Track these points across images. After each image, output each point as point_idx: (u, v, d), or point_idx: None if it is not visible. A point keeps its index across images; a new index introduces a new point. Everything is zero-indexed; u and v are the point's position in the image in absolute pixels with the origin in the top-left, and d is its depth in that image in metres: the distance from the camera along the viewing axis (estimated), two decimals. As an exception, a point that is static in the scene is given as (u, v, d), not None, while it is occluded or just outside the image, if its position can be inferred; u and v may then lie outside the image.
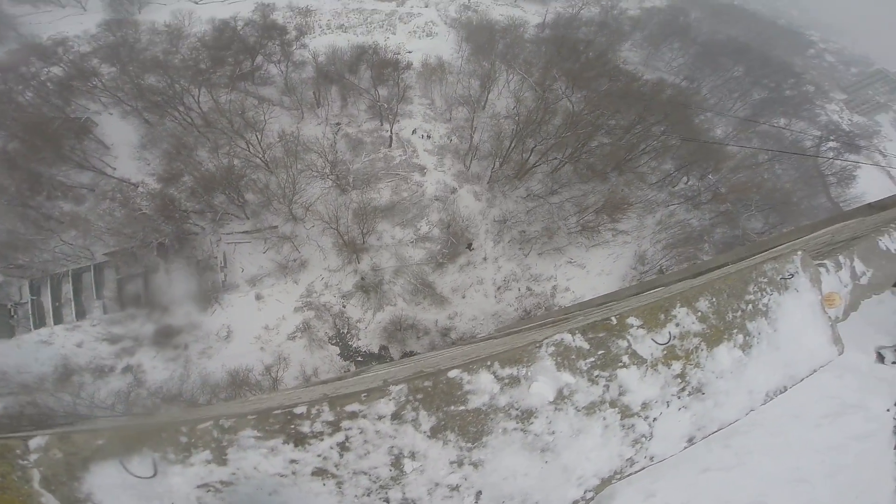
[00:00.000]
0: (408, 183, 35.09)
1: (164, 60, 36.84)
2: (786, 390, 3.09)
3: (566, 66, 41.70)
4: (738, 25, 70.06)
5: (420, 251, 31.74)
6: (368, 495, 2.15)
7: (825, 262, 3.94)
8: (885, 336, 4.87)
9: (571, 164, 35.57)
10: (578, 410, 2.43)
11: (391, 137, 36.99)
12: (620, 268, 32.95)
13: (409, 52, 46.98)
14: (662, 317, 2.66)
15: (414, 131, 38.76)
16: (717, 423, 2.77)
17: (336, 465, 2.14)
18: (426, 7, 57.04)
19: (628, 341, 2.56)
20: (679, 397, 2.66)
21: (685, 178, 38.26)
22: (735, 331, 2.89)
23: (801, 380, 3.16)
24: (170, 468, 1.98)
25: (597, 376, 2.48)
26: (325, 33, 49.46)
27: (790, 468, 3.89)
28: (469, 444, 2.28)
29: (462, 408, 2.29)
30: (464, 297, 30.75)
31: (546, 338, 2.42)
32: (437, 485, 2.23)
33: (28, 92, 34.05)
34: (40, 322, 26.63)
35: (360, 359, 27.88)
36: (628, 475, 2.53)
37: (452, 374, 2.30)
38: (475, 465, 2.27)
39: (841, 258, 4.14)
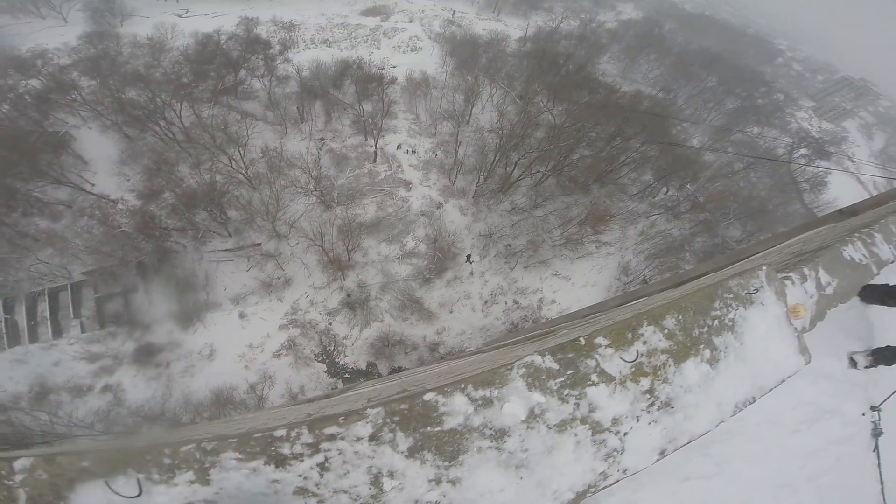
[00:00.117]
0: (393, 198, 35.04)
1: (145, 74, 36.42)
2: (755, 401, 3.17)
3: (547, 79, 42.51)
4: (710, 35, 72.30)
5: (407, 267, 31.65)
6: (349, 513, 2.21)
7: (790, 274, 4.03)
8: (856, 341, 4.94)
9: (554, 177, 36.09)
10: (550, 428, 2.50)
11: (376, 152, 36.99)
12: (605, 279, 33.29)
13: (394, 67, 47.24)
14: (630, 335, 2.77)
15: (399, 146, 38.82)
16: (688, 435, 2.86)
17: (317, 485, 2.19)
18: (410, 22, 57.80)
19: (597, 360, 2.65)
20: (649, 412, 2.75)
21: (665, 189, 39.07)
22: (702, 346, 2.99)
23: (770, 390, 3.24)
24: (154, 488, 2.01)
25: (567, 395, 2.56)
26: (310, 48, 49.54)
27: (772, 474, 3.95)
28: (446, 463, 2.34)
29: (438, 428, 2.36)
30: (451, 312, 30.70)
31: (517, 360, 2.51)
32: (416, 502, 2.29)
33: (4, 105, 33.21)
34: (14, 341, 25.81)
35: (347, 375, 27.50)
36: (602, 488, 2.60)
37: (427, 396, 2.38)
38: (453, 482, 2.34)
39: (806, 270, 4.24)
